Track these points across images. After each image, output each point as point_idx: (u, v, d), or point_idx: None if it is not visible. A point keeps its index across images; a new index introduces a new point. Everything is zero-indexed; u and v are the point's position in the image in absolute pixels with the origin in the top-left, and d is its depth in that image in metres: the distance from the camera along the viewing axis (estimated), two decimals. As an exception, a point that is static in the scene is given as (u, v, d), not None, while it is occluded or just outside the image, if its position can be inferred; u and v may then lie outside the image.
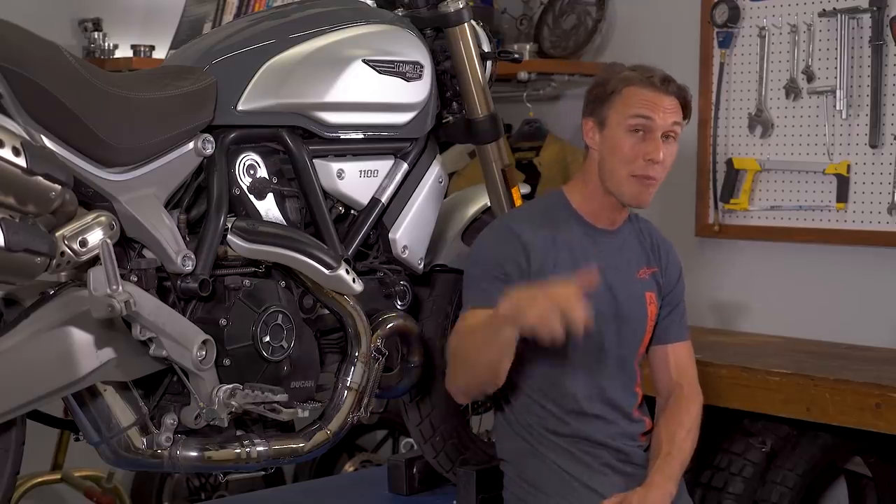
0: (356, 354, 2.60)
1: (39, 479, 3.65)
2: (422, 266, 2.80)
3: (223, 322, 2.40)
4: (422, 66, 2.75)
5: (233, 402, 2.36)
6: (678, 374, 2.76)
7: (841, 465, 3.75)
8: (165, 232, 2.34)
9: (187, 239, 2.39)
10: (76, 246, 2.17)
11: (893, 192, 3.72)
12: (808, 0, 3.89)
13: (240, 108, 2.48)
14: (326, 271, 2.49)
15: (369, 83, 2.65)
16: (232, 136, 2.48)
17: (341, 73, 2.61)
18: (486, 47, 2.90)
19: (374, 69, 2.66)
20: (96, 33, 3.84)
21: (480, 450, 3.01)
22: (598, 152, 2.63)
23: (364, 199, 2.70)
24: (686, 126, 2.68)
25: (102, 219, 2.23)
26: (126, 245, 2.33)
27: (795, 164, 3.93)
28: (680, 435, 2.68)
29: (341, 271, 2.50)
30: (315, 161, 2.60)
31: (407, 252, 2.76)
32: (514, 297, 2.32)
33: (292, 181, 2.59)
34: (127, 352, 2.24)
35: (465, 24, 2.82)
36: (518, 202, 2.93)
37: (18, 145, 2.03)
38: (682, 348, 2.79)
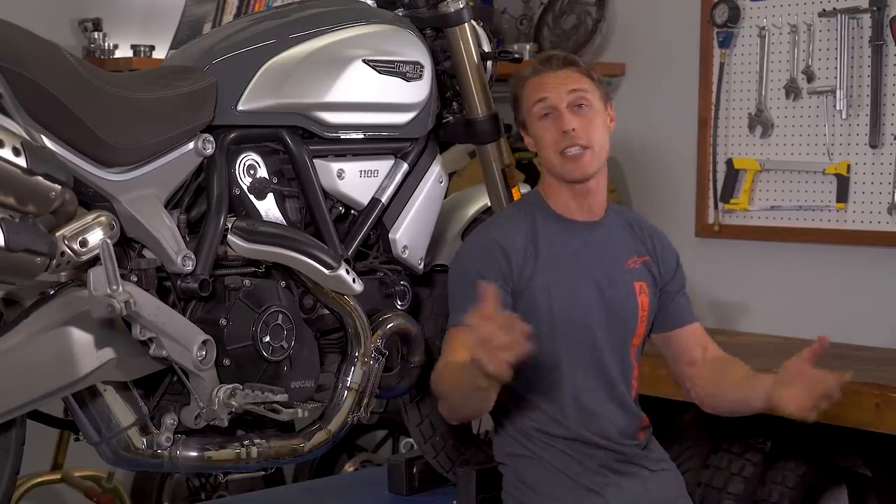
0: (356, 354, 2.60)
1: (39, 479, 3.65)
2: (422, 266, 2.80)
3: (223, 322, 2.40)
4: (422, 66, 2.75)
5: (233, 402, 2.36)
6: (705, 348, 2.77)
7: (841, 465, 3.75)
8: (165, 232, 2.34)
9: (187, 239, 2.39)
10: (76, 246, 2.17)
11: (893, 192, 3.73)
12: (808, 0, 3.89)
13: (240, 108, 2.48)
14: (326, 271, 2.49)
15: (369, 83, 2.65)
16: (232, 136, 2.48)
17: (341, 73, 2.61)
18: (486, 47, 2.90)
19: (374, 69, 2.66)
20: (96, 33, 3.84)
21: (480, 450, 3.01)
22: (537, 151, 2.71)
23: (364, 199, 2.69)
24: (603, 90, 2.69)
25: (102, 219, 2.23)
26: (126, 245, 2.33)
27: (795, 164, 3.93)
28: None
29: (341, 271, 2.50)
30: (315, 161, 2.60)
31: (407, 252, 2.76)
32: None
33: (292, 181, 2.59)
34: (127, 352, 2.24)
35: (465, 24, 2.82)
36: (517, 202, 2.94)
37: (18, 145, 2.02)
38: (699, 328, 2.80)
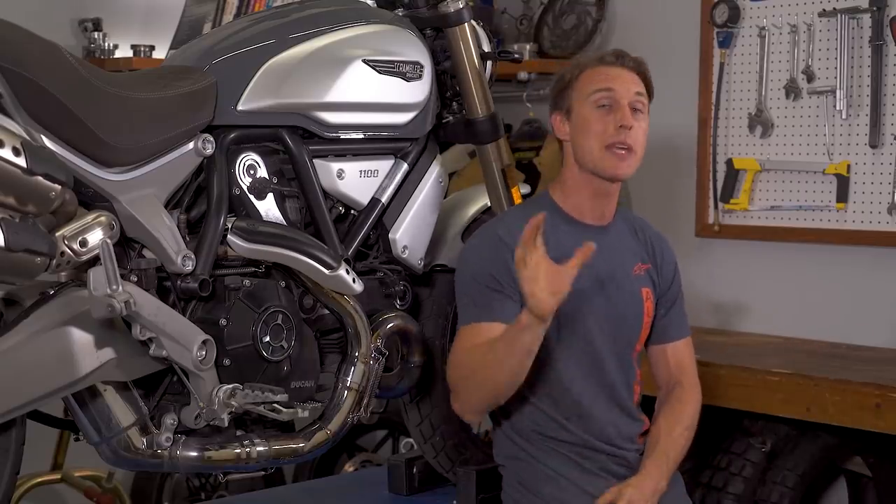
0: (356, 354, 2.60)
1: (39, 479, 3.65)
2: (422, 266, 2.80)
3: (223, 322, 2.40)
4: (422, 66, 2.75)
5: (233, 402, 2.36)
6: (678, 371, 2.77)
7: (841, 465, 3.75)
8: (165, 232, 2.34)
9: (187, 239, 2.39)
10: (76, 246, 2.17)
11: (893, 192, 3.72)
12: (808, 0, 3.89)
13: (240, 108, 2.48)
14: (326, 271, 2.49)
15: (369, 83, 2.65)
16: (232, 136, 2.48)
17: (341, 73, 2.61)
18: (486, 47, 2.90)
19: (374, 69, 2.66)
20: (96, 33, 3.84)
21: (480, 450, 3.00)
22: (571, 140, 2.67)
23: (364, 199, 2.69)
24: (650, 104, 2.70)
25: (102, 219, 2.23)
26: (126, 245, 2.33)
27: (795, 164, 3.93)
28: (677, 430, 2.69)
29: (341, 271, 2.50)
30: (315, 161, 2.60)
31: (407, 252, 2.76)
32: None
33: (292, 181, 2.59)
34: (127, 352, 2.24)
35: (465, 24, 2.82)
36: (518, 202, 2.93)
37: (18, 145, 2.03)
38: (682, 345, 2.80)
